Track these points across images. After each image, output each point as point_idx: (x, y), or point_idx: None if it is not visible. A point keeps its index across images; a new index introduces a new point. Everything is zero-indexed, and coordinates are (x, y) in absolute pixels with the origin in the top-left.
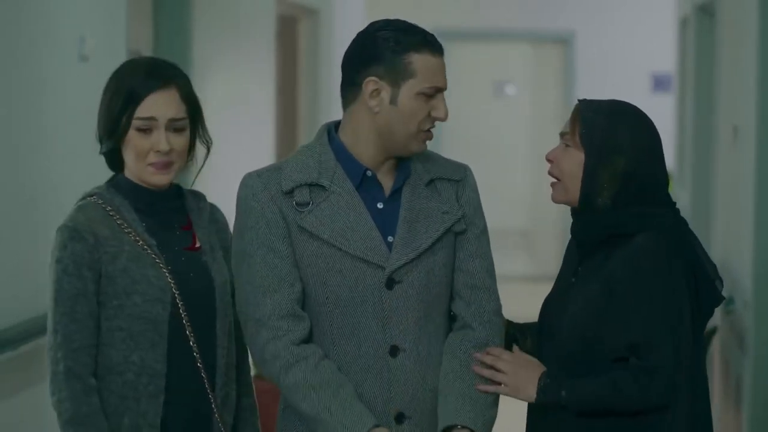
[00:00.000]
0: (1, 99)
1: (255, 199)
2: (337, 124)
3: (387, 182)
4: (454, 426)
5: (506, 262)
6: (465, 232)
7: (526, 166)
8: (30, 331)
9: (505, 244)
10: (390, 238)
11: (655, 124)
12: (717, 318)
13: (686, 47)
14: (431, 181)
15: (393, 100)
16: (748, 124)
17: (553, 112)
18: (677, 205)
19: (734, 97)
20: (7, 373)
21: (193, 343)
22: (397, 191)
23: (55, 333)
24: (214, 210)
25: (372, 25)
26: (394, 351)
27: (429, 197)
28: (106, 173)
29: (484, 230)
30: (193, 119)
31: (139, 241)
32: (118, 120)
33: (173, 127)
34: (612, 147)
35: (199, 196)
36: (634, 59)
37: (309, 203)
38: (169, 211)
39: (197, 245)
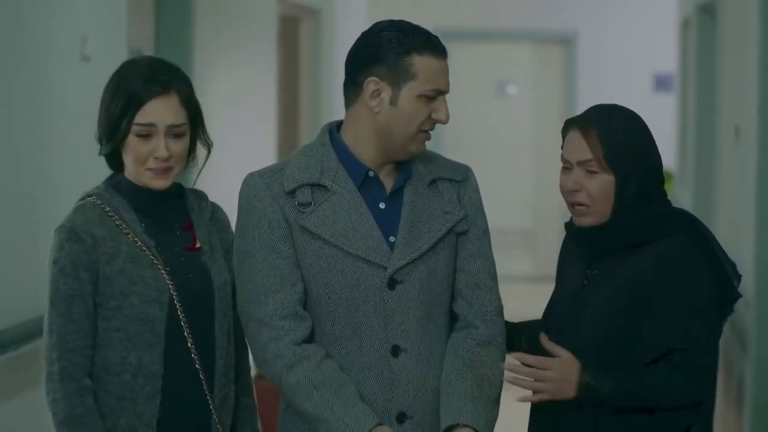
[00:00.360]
0: (2, 99)
1: (257, 199)
2: (339, 124)
3: (389, 182)
4: (457, 425)
5: (507, 262)
6: (467, 233)
7: (528, 166)
8: (30, 332)
9: (506, 244)
10: (392, 238)
11: (657, 124)
12: None
13: (688, 47)
14: (433, 182)
15: (393, 101)
16: (749, 124)
17: (555, 112)
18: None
19: (736, 97)
20: (8, 374)
21: (191, 345)
22: (398, 191)
23: (51, 333)
24: (215, 209)
25: (376, 25)
26: (395, 351)
27: (431, 197)
28: (106, 173)
29: (486, 230)
30: (194, 122)
31: (137, 242)
32: (117, 124)
33: (173, 133)
34: (635, 158)
35: (200, 196)
36: (636, 59)
37: (311, 203)
38: (170, 211)
39: (197, 245)
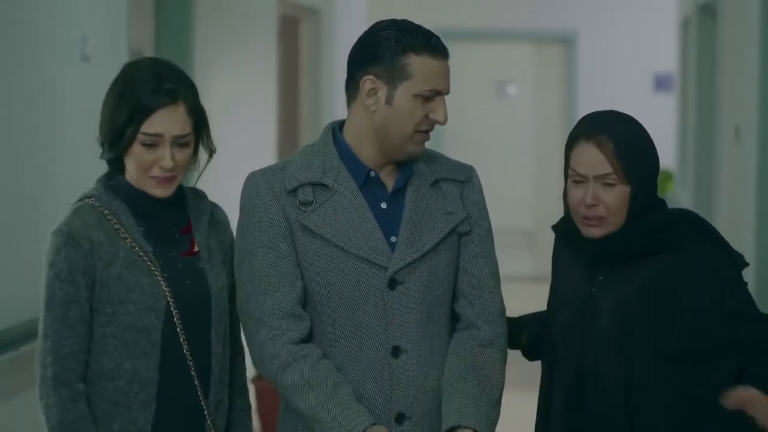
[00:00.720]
0: (3, 99)
1: (258, 198)
2: (342, 124)
3: (390, 182)
4: (458, 426)
5: (509, 262)
6: (469, 233)
7: (528, 166)
8: (30, 332)
9: (508, 244)
10: (393, 239)
11: (657, 124)
12: None
13: (688, 47)
14: (436, 182)
15: (389, 100)
16: (749, 124)
17: (555, 112)
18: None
19: (736, 97)
20: (8, 374)
21: (187, 351)
22: (400, 191)
23: (46, 338)
24: (215, 209)
25: (378, 24)
26: (396, 351)
27: (433, 198)
28: None
29: (489, 231)
30: (198, 130)
31: (135, 247)
32: (122, 132)
33: (178, 143)
34: (646, 165)
35: (200, 195)
36: (636, 59)
37: (312, 202)
38: (169, 214)
39: (195, 249)
